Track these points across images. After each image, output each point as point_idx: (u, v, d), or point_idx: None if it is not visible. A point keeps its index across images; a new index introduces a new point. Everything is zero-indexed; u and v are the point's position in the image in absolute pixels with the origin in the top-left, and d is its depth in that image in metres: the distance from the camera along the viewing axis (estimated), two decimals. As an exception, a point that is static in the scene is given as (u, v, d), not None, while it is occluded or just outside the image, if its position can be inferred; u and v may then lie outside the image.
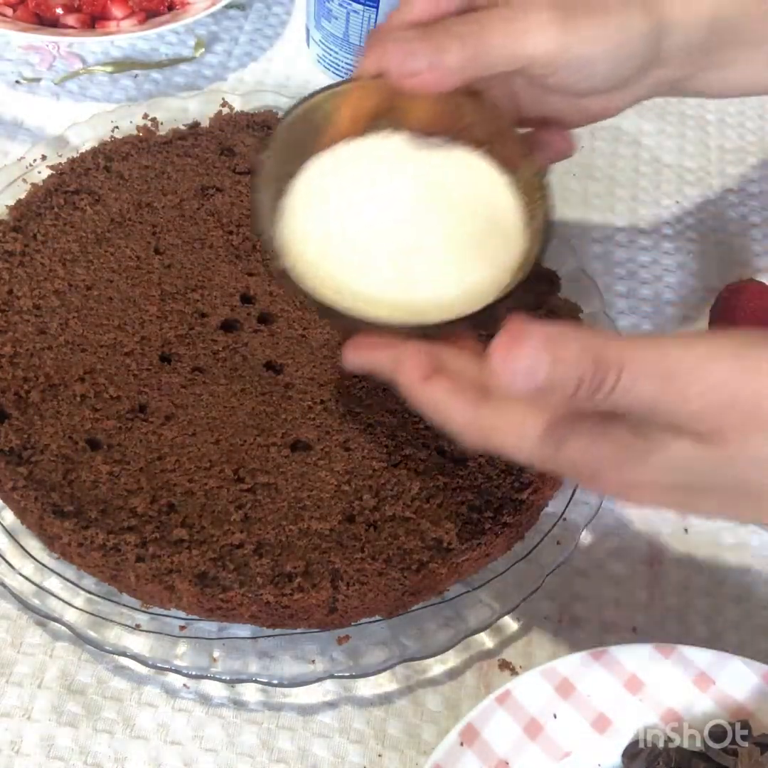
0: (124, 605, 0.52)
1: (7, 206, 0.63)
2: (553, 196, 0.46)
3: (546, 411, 0.40)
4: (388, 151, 0.48)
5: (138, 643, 0.51)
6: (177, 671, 0.51)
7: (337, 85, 0.48)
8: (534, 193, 0.47)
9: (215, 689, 0.52)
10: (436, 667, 0.54)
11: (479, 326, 0.45)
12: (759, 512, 0.41)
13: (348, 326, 0.45)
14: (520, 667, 0.54)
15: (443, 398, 0.42)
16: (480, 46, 0.44)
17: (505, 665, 0.55)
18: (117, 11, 0.82)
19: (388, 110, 0.48)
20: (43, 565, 0.52)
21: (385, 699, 0.53)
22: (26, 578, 0.52)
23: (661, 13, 0.48)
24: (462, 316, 0.43)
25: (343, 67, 0.80)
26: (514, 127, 0.49)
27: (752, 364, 0.36)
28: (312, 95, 0.48)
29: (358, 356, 0.45)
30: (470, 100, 0.48)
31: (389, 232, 0.46)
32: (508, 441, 0.41)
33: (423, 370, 0.42)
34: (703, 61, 0.51)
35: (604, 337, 0.36)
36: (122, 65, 0.83)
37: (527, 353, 0.35)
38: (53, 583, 0.52)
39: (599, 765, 0.48)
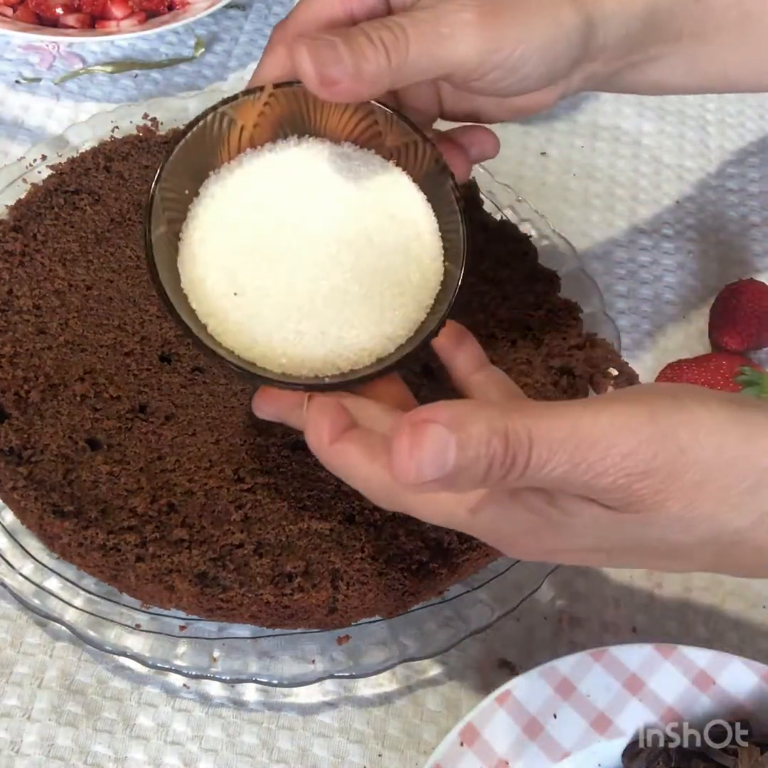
0: (124, 605, 0.52)
1: (7, 206, 0.63)
2: (466, 213, 0.44)
3: None
4: (297, 165, 0.46)
5: (138, 643, 0.51)
6: (177, 671, 0.51)
7: (238, 95, 0.44)
8: (449, 211, 0.45)
9: (215, 689, 0.52)
10: (436, 667, 0.54)
11: (400, 370, 0.43)
12: (679, 565, 0.40)
13: (256, 383, 0.43)
14: (520, 667, 0.54)
15: (354, 462, 0.39)
16: (402, 56, 0.40)
17: (505, 665, 0.55)
18: (117, 11, 0.82)
19: (293, 115, 0.45)
20: (43, 565, 0.52)
21: (385, 699, 0.53)
22: (26, 578, 0.52)
23: (592, 6, 0.45)
24: (371, 373, 0.42)
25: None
26: (427, 137, 0.45)
27: (663, 429, 0.35)
28: (208, 110, 0.44)
29: (269, 408, 0.43)
30: (382, 107, 0.45)
31: (300, 276, 0.43)
32: (421, 509, 0.40)
33: (330, 431, 0.39)
34: (633, 57, 0.49)
35: (509, 412, 0.34)
36: (122, 65, 0.83)
37: (432, 440, 0.33)
38: (53, 583, 0.52)
39: (599, 765, 0.48)
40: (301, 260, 0.43)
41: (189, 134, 0.44)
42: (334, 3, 0.44)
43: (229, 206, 0.45)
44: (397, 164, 0.46)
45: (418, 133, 0.45)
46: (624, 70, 0.49)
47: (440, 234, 0.45)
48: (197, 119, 0.44)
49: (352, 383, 0.42)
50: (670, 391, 0.38)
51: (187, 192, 0.45)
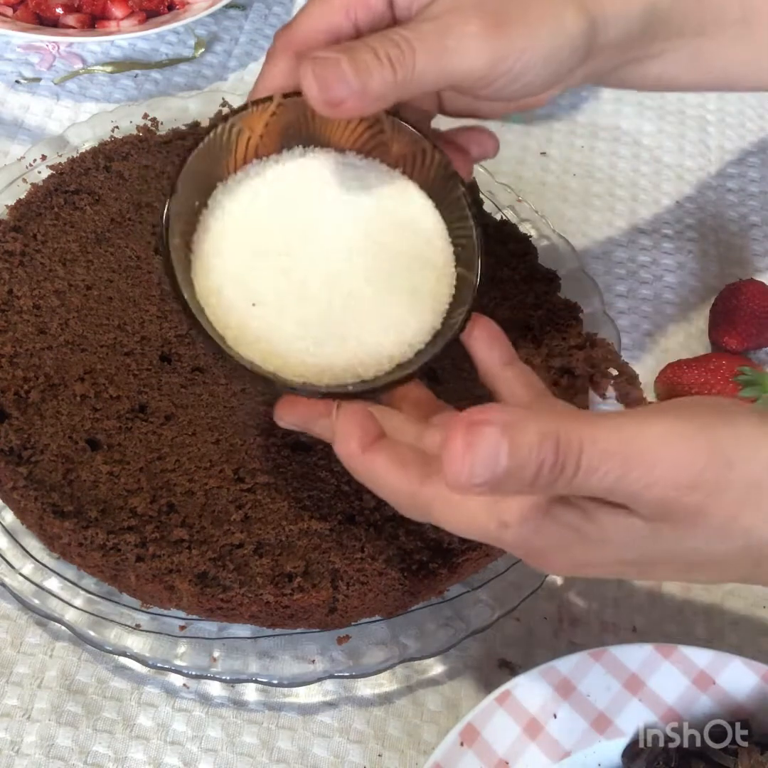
0: (124, 605, 0.52)
1: (7, 206, 0.63)
2: (479, 219, 0.44)
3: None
4: (303, 175, 0.46)
5: (138, 643, 0.51)
6: (177, 671, 0.51)
7: (248, 105, 0.44)
8: (459, 217, 0.45)
9: (215, 689, 0.52)
10: (436, 667, 0.54)
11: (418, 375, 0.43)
12: (713, 576, 0.40)
13: (280, 391, 0.43)
14: (520, 667, 0.54)
15: (383, 472, 0.40)
16: (408, 71, 0.40)
17: (505, 665, 0.55)
18: (117, 11, 0.82)
19: (298, 125, 0.45)
20: (43, 565, 0.52)
21: (385, 699, 0.53)
22: (26, 578, 0.52)
23: (595, 8, 0.45)
24: (395, 379, 0.42)
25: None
26: (436, 144, 0.45)
27: (712, 443, 0.35)
28: (219, 120, 0.44)
29: (291, 418, 0.43)
30: (389, 116, 0.45)
31: (314, 284, 0.43)
32: (450, 520, 0.39)
33: (360, 440, 0.40)
34: (634, 53, 0.49)
35: (561, 419, 0.34)
36: (122, 65, 0.83)
37: (486, 442, 0.33)
38: (53, 583, 0.52)
39: (599, 765, 0.48)
40: (315, 268, 0.44)
41: (201, 145, 0.43)
42: (337, 11, 0.43)
43: (239, 217, 0.44)
44: (404, 171, 0.46)
45: (427, 140, 0.45)
46: (625, 65, 0.49)
47: (450, 240, 0.46)
48: (208, 129, 0.44)
49: (376, 390, 0.42)
50: (713, 404, 0.38)
51: (196, 203, 0.44)
